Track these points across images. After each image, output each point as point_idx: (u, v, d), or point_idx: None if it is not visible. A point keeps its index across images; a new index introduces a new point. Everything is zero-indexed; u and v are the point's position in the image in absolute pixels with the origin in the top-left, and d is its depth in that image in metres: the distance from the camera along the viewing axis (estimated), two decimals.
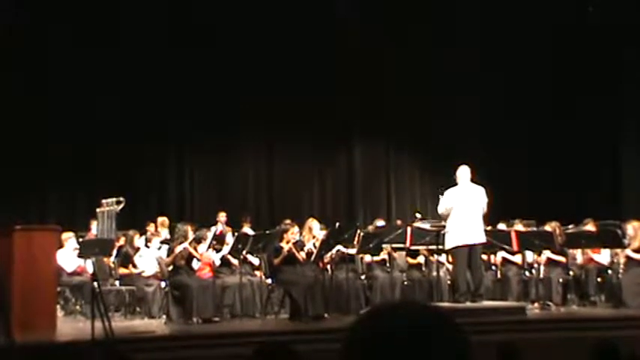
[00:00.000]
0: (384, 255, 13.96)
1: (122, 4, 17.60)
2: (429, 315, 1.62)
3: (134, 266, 13.66)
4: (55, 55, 17.07)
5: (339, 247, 13.31)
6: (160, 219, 15.66)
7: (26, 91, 16.79)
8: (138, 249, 13.98)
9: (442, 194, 12.58)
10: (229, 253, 13.28)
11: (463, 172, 12.60)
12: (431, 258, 13.93)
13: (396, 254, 14.12)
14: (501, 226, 14.70)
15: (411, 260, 14.16)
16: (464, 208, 12.23)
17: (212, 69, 18.08)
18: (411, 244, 13.28)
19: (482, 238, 12.37)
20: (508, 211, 15.50)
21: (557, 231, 13.66)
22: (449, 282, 13.39)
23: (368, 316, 1.65)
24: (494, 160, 18.31)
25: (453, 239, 12.29)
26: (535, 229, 14.51)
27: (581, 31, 18.65)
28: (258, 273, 13.63)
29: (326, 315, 12.29)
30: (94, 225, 14.59)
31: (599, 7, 18.49)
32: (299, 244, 12.84)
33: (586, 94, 18.78)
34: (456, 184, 12.55)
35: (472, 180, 12.58)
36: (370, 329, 1.60)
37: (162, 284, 13.07)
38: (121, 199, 14.28)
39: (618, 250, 13.43)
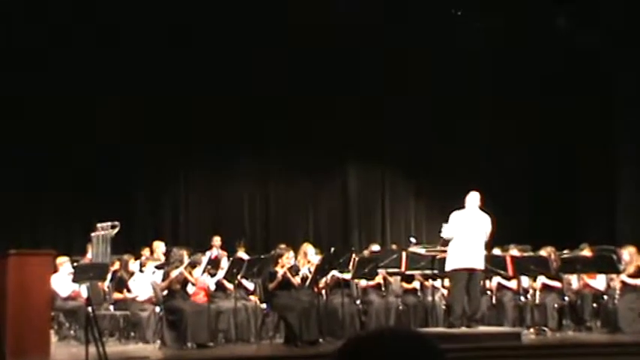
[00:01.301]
0: (379, 280, 13.95)
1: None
2: (414, 342, 1.62)
3: (129, 291, 13.61)
4: (53, 75, 17.08)
5: (334, 271, 13.28)
6: (156, 244, 15.62)
7: (23, 111, 16.79)
8: (132, 273, 13.94)
9: (447, 222, 12.60)
10: (224, 277, 13.25)
11: (473, 198, 12.66)
12: (426, 283, 13.92)
13: (391, 279, 14.12)
14: (496, 251, 14.68)
15: (406, 285, 14.14)
16: (468, 233, 12.25)
17: (207, 91, 18.09)
18: (406, 269, 13.28)
19: (482, 265, 12.36)
20: (504, 237, 15.50)
21: (553, 256, 13.66)
22: (444, 307, 13.38)
23: (353, 342, 1.65)
24: (490, 186, 18.30)
25: (453, 262, 12.29)
26: (530, 254, 14.50)
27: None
28: (252, 298, 13.60)
29: (321, 340, 12.23)
30: (90, 249, 14.59)
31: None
32: (294, 269, 12.82)
33: (581, 116, 18.82)
34: (459, 208, 12.57)
35: (480, 207, 12.63)
36: (355, 355, 1.60)
37: (157, 309, 13.02)
38: (116, 223, 14.27)
39: (614, 276, 13.43)
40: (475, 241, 12.28)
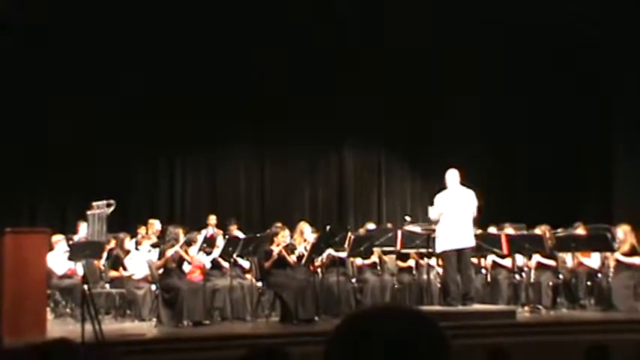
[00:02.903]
0: (374, 258, 13.99)
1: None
2: (411, 318, 1.63)
3: (124, 269, 13.63)
4: (53, 55, 17.04)
5: (330, 250, 13.32)
6: (151, 221, 15.61)
7: (21, 91, 16.77)
8: (128, 252, 13.95)
9: (432, 204, 12.60)
10: (220, 255, 13.27)
11: (452, 176, 12.59)
12: (421, 261, 13.94)
13: (386, 257, 14.16)
14: (492, 229, 14.70)
15: (401, 263, 14.16)
16: (454, 213, 12.23)
17: (203, 71, 18.06)
18: (402, 248, 13.29)
19: (471, 242, 12.37)
20: (499, 215, 15.54)
21: (547, 234, 13.70)
22: (439, 285, 13.40)
23: (351, 320, 1.66)
24: (486, 163, 18.33)
25: (442, 243, 12.30)
26: (525, 232, 14.54)
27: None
28: (248, 276, 13.61)
29: (316, 318, 12.29)
30: (82, 227, 14.59)
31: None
32: (290, 247, 12.85)
33: (579, 94, 18.79)
34: (445, 188, 12.56)
35: (462, 183, 12.59)
36: (353, 332, 1.61)
37: (153, 287, 13.05)
38: (112, 201, 14.26)
39: (608, 254, 13.47)
40: (462, 220, 12.26)
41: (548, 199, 18.02)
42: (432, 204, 12.66)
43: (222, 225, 16.29)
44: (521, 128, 19.11)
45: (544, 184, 18.64)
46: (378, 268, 14.04)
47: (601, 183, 18.63)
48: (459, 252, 12.23)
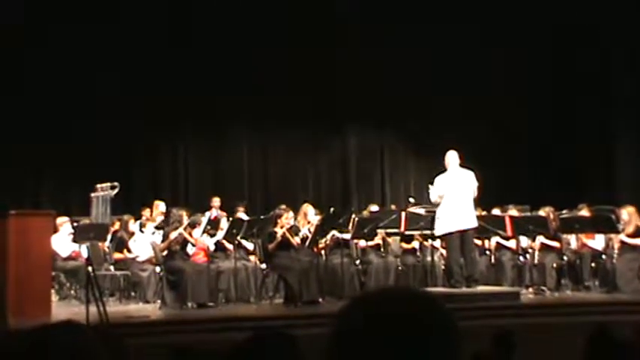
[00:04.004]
0: (378, 240, 14.00)
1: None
2: (418, 301, 1.62)
3: (129, 251, 13.66)
4: (52, 36, 17.02)
5: (334, 232, 13.32)
6: (156, 202, 15.57)
7: (24, 73, 16.77)
8: (132, 234, 13.97)
9: (432, 184, 12.58)
10: (224, 238, 13.28)
11: (452, 157, 12.58)
12: (425, 243, 13.94)
13: (390, 239, 14.16)
14: (496, 211, 14.69)
15: (405, 245, 14.17)
16: (454, 194, 12.23)
17: (209, 59, 18.05)
18: (406, 229, 13.27)
19: (473, 223, 12.37)
20: (503, 196, 15.53)
21: (552, 216, 13.69)
22: (443, 267, 13.41)
23: (357, 302, 1.65)
24: (489, 145, 18.28)
25: (444, 226, 12.30)
26: (529, 214, 14.54)
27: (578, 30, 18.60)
28: (252, 258, 13.64)
29: (320, 300, 12.31)
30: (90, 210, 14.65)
31: None
32: (294, 229, 12.85)
33: (580, 82, 18.73)
34: (445, 170, 12.54)
35: (462, 164, 12.58)
36: (359, 315, 1.60)
37: (157, 269, 13.07)
38: (116, 183, 14.28)
39: (612, 236, 13.46)
40: (463, 201, 12.26)
41: (552, 180, 17.98)
42: (431, 183, 12.63)
43: (226, 207, 16.29)
44: (524, 110, 19.06)
45: (548, 165, 18.60)
46: (382, 249, 14.06)
47: (605, 164, 18.56)
48: (462, 234, 12.23)
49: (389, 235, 14.01)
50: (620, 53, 18.53)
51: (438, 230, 12.45)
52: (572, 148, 18.69)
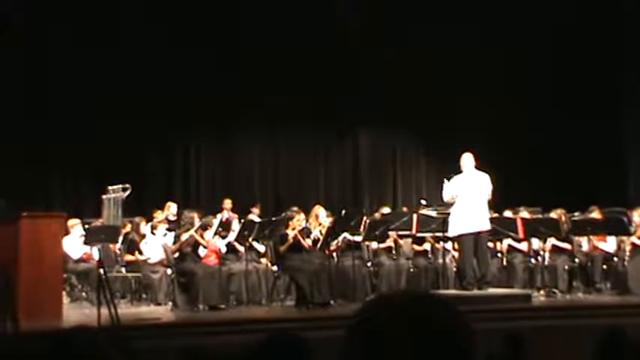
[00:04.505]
0: (390, 242, 13.98)
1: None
2: (432, 304, 1.62)
3: (140, 253, 13.67)
4: (58, 36, 17.07)
5: (345, 234, 13.30)
6: (169, 204, 15.57)
7: (30, 76, 16.80)
8: (144, 236, 13.98)
9: (449, 179, 12.56)
10: (235, 240, 13.28)
11: (467, 160, 12.59)
12: (437, 245, 13.91)
13: (402, 241, 14.14)
14: (507, 213, 14.67)
15: (416, 247, 14.16)
16: (469, 196, 12.24)
17: (224, 60, 18.08)
18: (417, 231, 13.28)
19: (487, 226, 12.37)
20: (513, 199, 15.48)
21: (563, 218, 13.67)
22: (455, 269, 13.39)
23: (372, 305, 1.65)
24: (500, 147, 18.20)
25: (458, 227, 12.30)
26: (541, 216, 14.50)
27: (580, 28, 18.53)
28: (263, 260, 13.63)
29: (332, 302, 12.29)
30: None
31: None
32: (305, 231, 12.85)
33: (589, 77, 18.68)
34: (461, 172, 12.54)
35: (477, 167, 12.57)
36: (374, 318, 1.60)
37: (169, 271, 13.08)
38: (127, 185, 14.30)
39: (624, 238, 13.43)
40: (477, 203, 12.27)
41: (563, 182, 17.91)
42: (448, 179, 12.61)
43: (238, 209, 16.30)
44: (524, 110, 18.99)
45: (560, 167, 18.53)
46: (394, 252, 14.04)
47: (617, 166, 18.51)
48: (476, 236, 12.22)
49: (401, 237, 13.99)
50: (627, 50, 18.49)
51: (452, 231, 12.45)
52: (581, 151, 18.62)
